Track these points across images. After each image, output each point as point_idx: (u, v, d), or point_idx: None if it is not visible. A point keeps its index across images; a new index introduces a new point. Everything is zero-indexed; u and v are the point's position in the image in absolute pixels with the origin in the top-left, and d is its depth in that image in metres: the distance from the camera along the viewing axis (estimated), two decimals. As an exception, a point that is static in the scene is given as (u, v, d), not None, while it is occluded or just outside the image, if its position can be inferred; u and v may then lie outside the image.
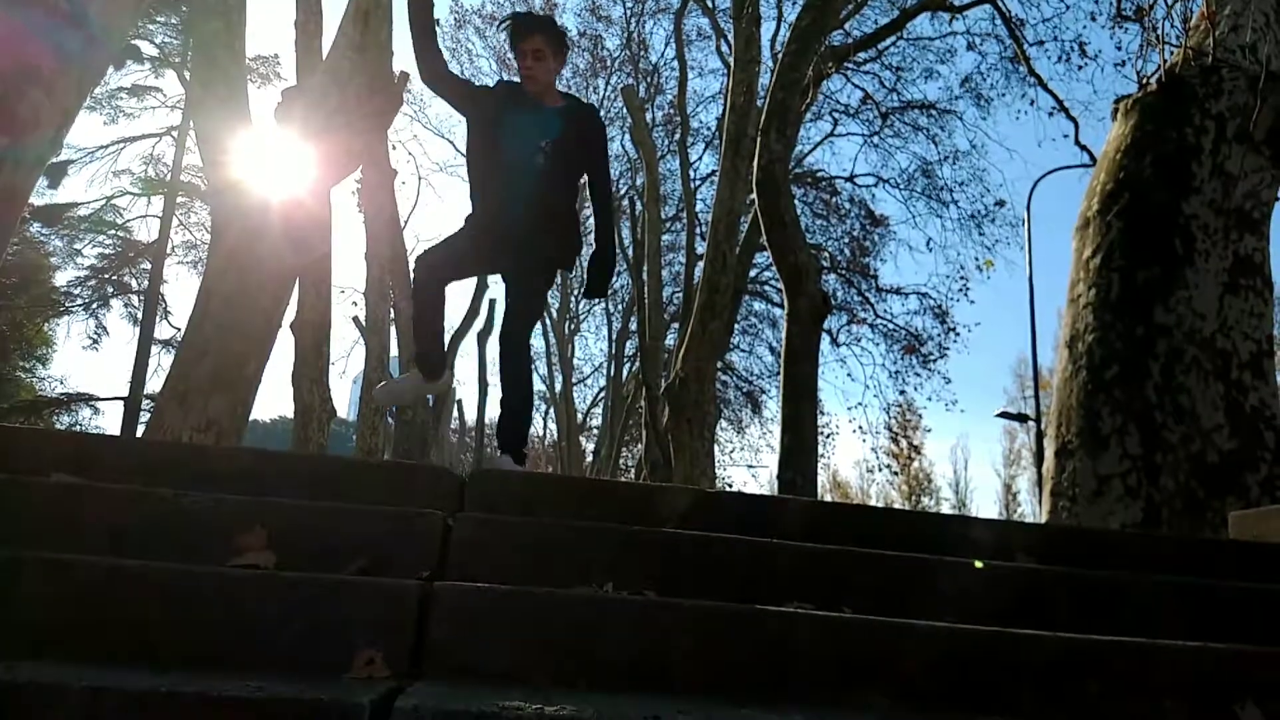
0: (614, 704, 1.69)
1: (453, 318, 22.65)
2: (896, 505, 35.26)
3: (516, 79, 4.23)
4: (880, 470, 22.20)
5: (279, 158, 6.35)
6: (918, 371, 19.67)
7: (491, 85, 4.35)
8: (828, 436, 20.85)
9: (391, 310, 14.44)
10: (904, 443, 21.58)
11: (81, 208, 20.28)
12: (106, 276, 21.25)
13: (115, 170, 20.83)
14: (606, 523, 2.57)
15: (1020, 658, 1.95)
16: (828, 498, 34.38)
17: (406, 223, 18.95)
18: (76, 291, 21.09)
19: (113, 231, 21.00)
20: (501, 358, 4.05)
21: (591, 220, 4.22)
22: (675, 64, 20.28)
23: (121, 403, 19.48)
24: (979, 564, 2.93)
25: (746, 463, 35.90)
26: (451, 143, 32.56)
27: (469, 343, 22.64)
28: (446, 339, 18.82)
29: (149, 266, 20.74)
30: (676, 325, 18.30)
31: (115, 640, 1.75)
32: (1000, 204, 19.37)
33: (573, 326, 28.07)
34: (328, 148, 6.25)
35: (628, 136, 20.17)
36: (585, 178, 4.21)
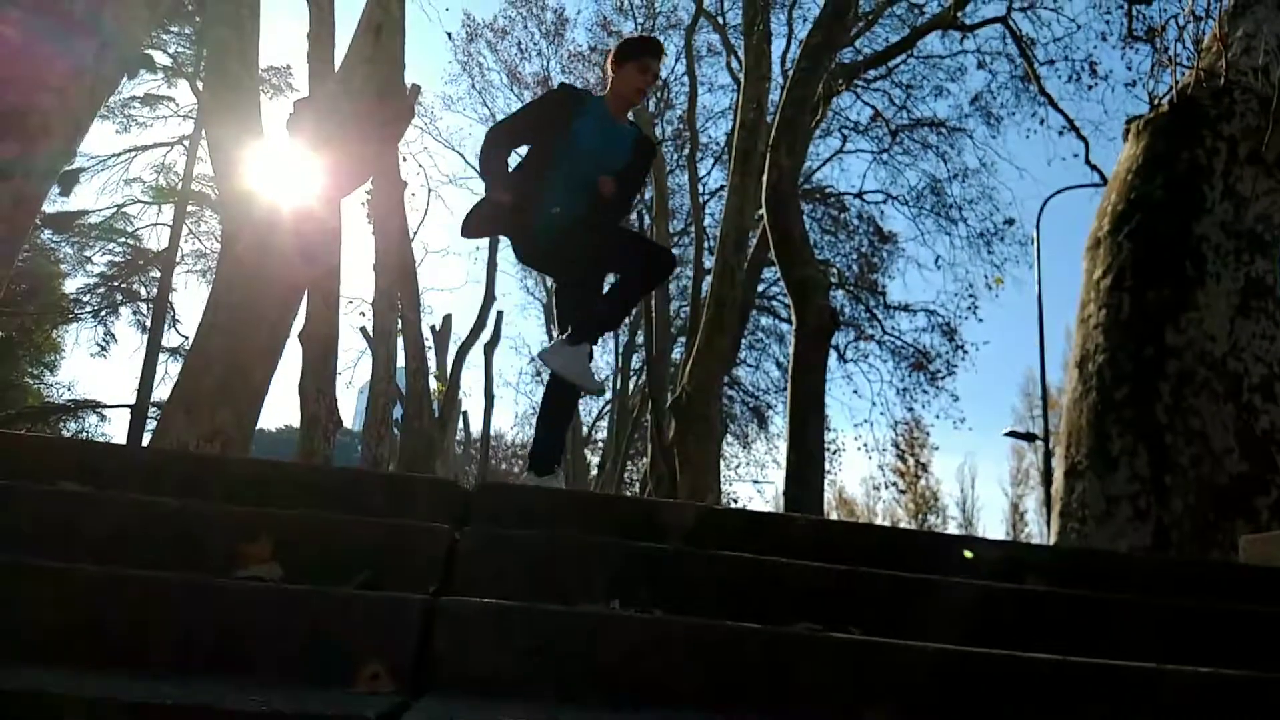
0: (619, 723, 1.68)
1: (459, 329, 22.67)
2: (903, 523, 35.14)
3: (570, 84, 4.34)
4: (887, 488, 22.17)
5: (290, 168, 6.37)
6: (925, 389, 19.65)
7: (561, 95, 4.27)
8: (834, 453, 20.84)
9: (399, 321, 14.47)
10: (911, 460, 21.53)
11: (92, 215, 20.40)
12: (116, 284, 21.33)
13: (126, 179, 20.95)
14: (612, 538, 2.56)
15: (1028, 681, 1.94)
16: (834, 515, 34.27)
17: (415, 234, 18.96)
18: (86, 299, 21.16)
19: (123, 239, 21.10)
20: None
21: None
22: (685, 79, 20.34)
23: (128, 410, 19.51)
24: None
25: (752, 478, 35.86)
26: (461, 155, 32.67)
27: (476, 354, 22.63)
28: (454, 350, 18.67)
29: (158, 275, 20.82)
30: (683, 339, 18.31)
31: (118, 650, 1.74)
32: (1009, 222, 19.34)
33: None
34: (338, 159, 6.27)
35: (637, 151, 20.19)
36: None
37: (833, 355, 15.65)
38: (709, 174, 22.10)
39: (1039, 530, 35.89)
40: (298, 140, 6.36)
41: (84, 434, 20.70)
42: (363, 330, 17.96)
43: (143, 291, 21.58)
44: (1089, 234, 5.59)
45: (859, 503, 44.23)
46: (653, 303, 17.00)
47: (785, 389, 11.78)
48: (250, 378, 5.89)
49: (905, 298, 32.83)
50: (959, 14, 14.76)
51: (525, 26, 22.60)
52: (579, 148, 4.00)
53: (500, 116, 23.17)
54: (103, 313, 21.28)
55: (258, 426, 6.46)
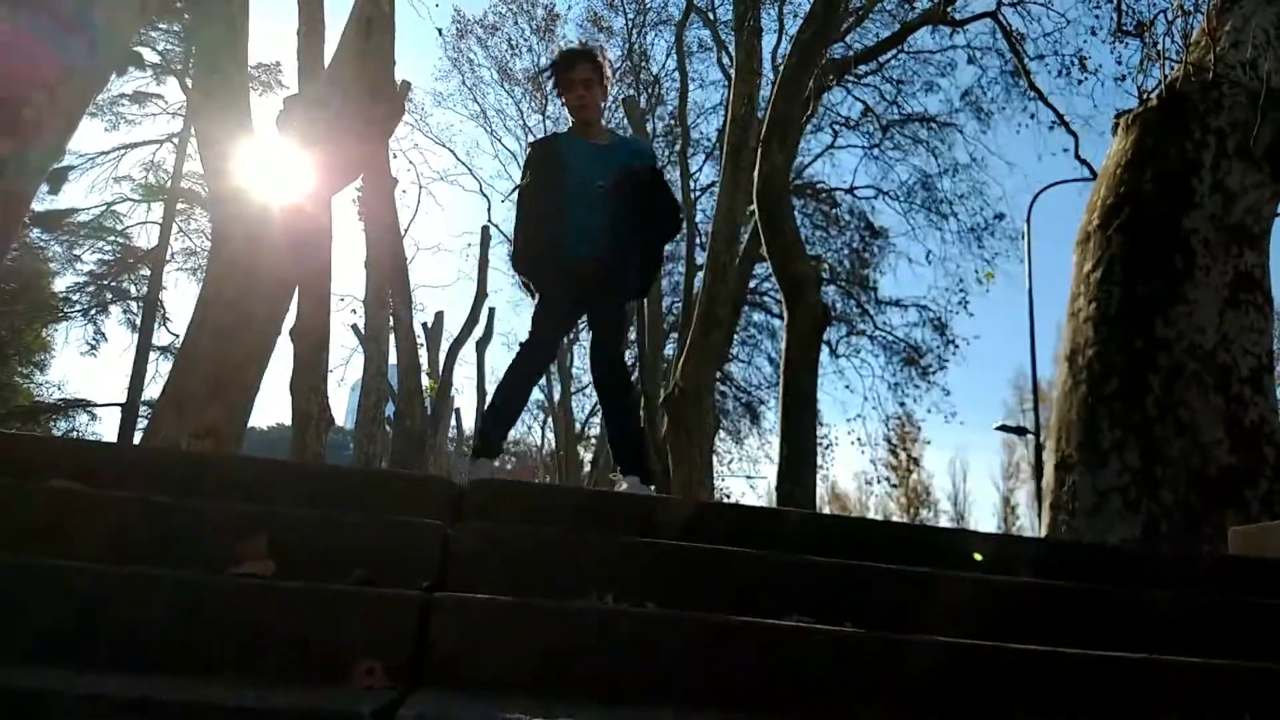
0: (615, 716, 1.69)
1: (451, 326, 22.64)
2: (895, 518, 35.22)
3: (550, 133, 4.40)
4: (879, 482, 22.22)
5: (280, 165, 6.35)
6: (917, 383, 19.69)
7: (539, 150, 4.40)
8: (826, 448, 20.81)
9: (390, 319, 14.44)
10: (903, 455, 21.59)
11: (82, 213, 20.30)
12: (106, 282, 21.24)
13: (116, 176, 20.86)
14: (606, 534, 2.57)
15: (1020, 673, 1.95)
16: (826, 509, 34.31)
17: (406, 231, 18.95)
18: (75, 297, 21.06)
19: (112, 238, 21.01)
20: (609, 388, 4.19)
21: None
22: (676, 75, 20.37)
23: (119, 409, 19.45)
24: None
25: (745, 473, 35.84)
26: (452, 152, 32.57)
27: (468, 350, 22.61)
28: (445, 347, 18.72)
29: (148, 273, 20.74)
30: (675, 335, 18.31)
31: (115, 648, 1.74)
32: (1000, 217, 19.35)
33: (571, 335, 28.03)
34: (329, 156, 6.26)
35: (628, 147, 20.20)
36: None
37: (825, 350, 15.68)
38: (700, 170, 22.12)
39: (1030, 523, 36.01)
40: (288, 137, 6.34)
41: (75, 433, 20.63)
42: (354, 328, 17.94)
43: (133, 290, 21.51)
44: (1079, 228, 5.60)
45: (851, 497, 44.34)
46: (644, 300, 16.99)
47: (777, 384, 11.80)
48: (241, 375, 5.88)
49: (896, 293, 32.89)
50: (949, 9, 14.76)
51: (516, 23, 22.61)
52: (573, 183, 4.09)
53: (490, 113, 23.15)
54: (93, 311, 21.20)
55: (249, 424, 6.45)
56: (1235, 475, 4.63)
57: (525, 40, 22.48)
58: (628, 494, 3.53)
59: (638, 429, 4.38)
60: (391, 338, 14.76)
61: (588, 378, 29.52)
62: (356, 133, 6.45)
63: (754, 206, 11.06)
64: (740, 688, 1.85)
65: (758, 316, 22.42)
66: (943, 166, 19.34)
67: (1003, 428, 23.84)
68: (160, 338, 20.46)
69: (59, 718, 1.45)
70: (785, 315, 10.58)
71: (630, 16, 21.35)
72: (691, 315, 13.35)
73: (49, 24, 3.49)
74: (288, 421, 11.33)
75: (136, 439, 16.40)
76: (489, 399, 4.23)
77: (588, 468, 27.46)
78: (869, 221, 20.49)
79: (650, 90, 21.85)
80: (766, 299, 21.35)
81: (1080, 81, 14.21)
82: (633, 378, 23.22)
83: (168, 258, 20.93)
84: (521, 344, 4.16)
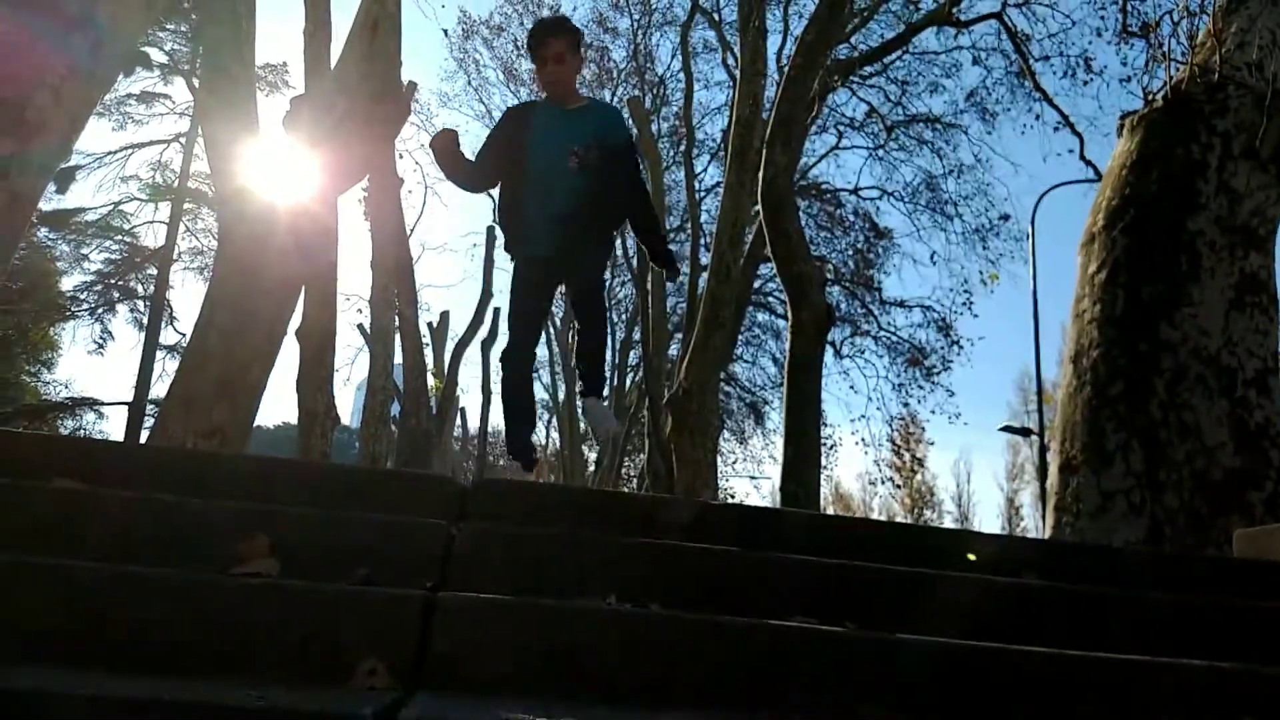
0: (617, 716, 1.69)
1: (457, 325, 22.65)
2: (899, 518, 35.16)
3: (529, 99, 4.43)
4: (883, 483, 22.19)
5: (286, 165, 6.36)
6: (921, 384, 19.67)
7: (505, 117, 4.47)
8: (830, 448, 20.83)
9: (396, 318, 14.45)
10: (907, 455, 21.57)
11: (89, 213, 20.38)
12: (113, 282, 21.31)
13: (123, 176, 20.92)
14: (610, 534, 2.57)
15: (1020, 675, 1.95)
16: (830, 510, 34.29)
17: (412, 231, 18.91)
18: (83, 296, 21.15)
19: (120, 237, 21.08)
20: (582, 311, 4.39)
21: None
22: (681, 76, 20.33)
23: (126, 408, 19.50)
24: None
25: (749, 474, 35.85)
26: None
27: (473, 350, 22.60)
28: (451, 347, 18.67)
29: (155, 272, 20.80)
30: (680, 336, 18.31)
31: (117, 647, 1.74)
32: (1005, 218, 19.32)
33: (575, 335, 28.00)
34: (335, 156, 6.27)
35: (633, 147, 20.21)
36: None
37: (829, 351, 15.67)
38: (705, 170, 22.11)
39: (1034, 525, 35.90)
40: (294, 137, 6.35)
41: (81, 431, 20.71)
42: (360, 327, 17.93)
43: (140, 289, 21.57)
44: (1084, 229, 5.59)
45: (855, 498, 44.30)
46: (649, 299, 16.99)
47: (781, 385, 11.80)
48: (247, 375, 5.89)
49: (901, 293, 32.90)
50: (954, 10, 14.76)
51: (521, 23, 22.54)
52: (536, 152, 4.12)
53: (496, 114, 23.19)
54: (100, 310, 21.28)
55: (255, 424, 6.46)
56: (1240, 478, 4.61)
57: (531, 40, 22.42)
58: (629, 494, 3.54)
59: (599, 349, 4.50)
60: (397, 337, 14.76)
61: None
62: (363, 133, 6.46)
63: (758, 207, 11.05)
64: (742, 688, 1.85)
65: (762, 317, 22.46)
66: (947, 167, 19.34)
67: (1007, 429, 23.81)
68: (167, 337, 20.54)
69: (59, 718, 1.45)
70: (789, 316, 10.57)
71: (636, 17, 21.37)
72: (696, 316, 13.33)
73: (52, 24, 3.50)
74: (293, 421, 11.36)
75: (143, 438, 16.44)
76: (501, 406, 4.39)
77: (592, 467, 27.45)
78: (873, 222, 20.50)
79: (655, 91, 21.85)
80: (771, 299, 21.36)
81: (1086, 83, 14.24)
82: (636, 376, 23.24)
83: (174, 257, 21.01)
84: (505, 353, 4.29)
